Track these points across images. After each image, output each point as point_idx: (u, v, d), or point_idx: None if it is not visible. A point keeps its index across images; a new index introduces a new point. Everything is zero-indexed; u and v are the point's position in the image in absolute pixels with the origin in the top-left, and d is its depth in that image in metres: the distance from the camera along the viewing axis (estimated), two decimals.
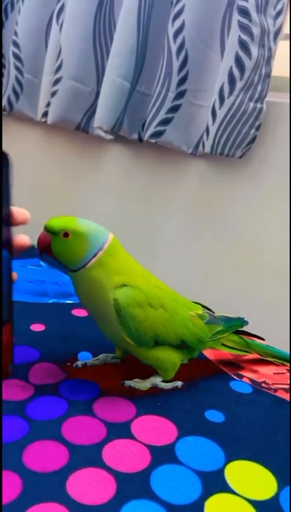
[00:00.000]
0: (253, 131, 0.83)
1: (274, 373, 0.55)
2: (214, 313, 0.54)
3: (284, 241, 0.84)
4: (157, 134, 0.91)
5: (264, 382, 0.53)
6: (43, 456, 0.38)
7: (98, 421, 0.43)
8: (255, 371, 0.55)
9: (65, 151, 1.11)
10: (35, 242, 0.44)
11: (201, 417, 0.45)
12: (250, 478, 0.38)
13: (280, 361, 0.56)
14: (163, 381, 0.49)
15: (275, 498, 0.36)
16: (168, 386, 0.49)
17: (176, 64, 0.87)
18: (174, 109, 0.90)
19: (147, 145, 0.97)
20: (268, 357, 0.55)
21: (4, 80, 1.12)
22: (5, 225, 0.40)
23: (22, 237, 0.41)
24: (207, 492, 0.36)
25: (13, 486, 0.34)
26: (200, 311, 0.51)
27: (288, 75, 0.90)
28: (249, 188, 0.89)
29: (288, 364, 0.56)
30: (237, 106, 0.82)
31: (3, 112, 1.15)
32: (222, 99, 0.83)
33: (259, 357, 0.56)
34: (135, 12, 0.89)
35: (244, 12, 0.78)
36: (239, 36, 0.79)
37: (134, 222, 1.02)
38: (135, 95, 0.96)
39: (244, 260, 0.90)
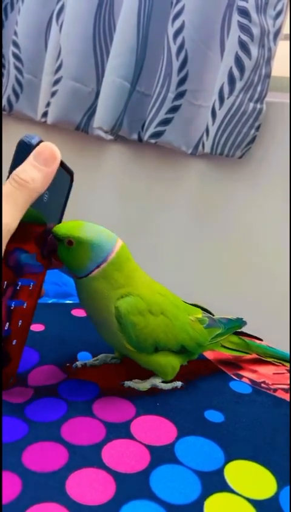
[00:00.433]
0: (252, 131, 0.83)
1: (274, 374, 0.54)
2: (213, 315, 0.54)
3: (284, 240, 0.84)
4: (157, 134, 0.91)
5: (264, 382, 0.53)
6: (42, 456, 0.38)
7: (97, 421, 0.43)
8: (255, 371, 0.55)
9: (64, 152, 1.10)
10: None
11: (201, 417, 0.45)
12: (250, 477, 0.38)
13: (279, 362, 0.56)
14: (162, 382, 0.49)
15: (275, 498, 0.36)
16: (168, 386, 0.49)
17: (175, 64, 0.87)
18: (174, 109, 0.90)
19: (146, 145, 0.97)
20: (267, 358, 0.55)
21: (4, 80, 1.12)
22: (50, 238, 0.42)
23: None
24: (207, 492, 0.36)
25: (12, 486, 0.34)
26: (200, 315, 0.51)
27: (288, 75, 0.90)
28: (249, 188, 0.89)
29: (288, 365, 0.56)
30: (237, 106, 0.82)
31: (3, 112, 1.15)
32: (221, 99, 0.83)
33: (259, 357, 0.56)
34: (135, 12, 0.89)
35: (244, 12, 0.78)
36: (239, 37, 0.79)
37: (134, 222, 1.02)
38: (135, 95, 0.96)
39: (243, 260, 0.90)
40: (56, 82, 1.01)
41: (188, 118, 0.91)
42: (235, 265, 0.91)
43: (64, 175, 0.43)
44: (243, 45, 0.79)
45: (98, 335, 0.49)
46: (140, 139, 0.97)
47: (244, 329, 0.56)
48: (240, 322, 0.55)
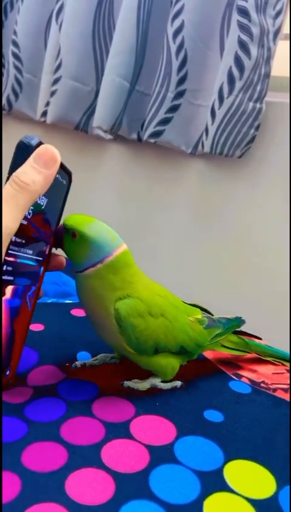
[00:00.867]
0: (252, 131, 0.83)
1: (273, 373, 0.55)
2: (213, 315, 0.54)
3: (284, 240, 0.84)
4: (156, 134, 0.91)
5: (263, 382, 0.53)
6: (42, 456, 0.38)
7: (97, 421, 0.43)
8: (254, 371, 0.55)
9: (64, 151, 1.10)
10: None
11: (200, 416, 0.45)
12: (249, 477, 0.38)
13: (278, 361, 0.56)
14: (162, 382, 0.49)
15: (274, 498, 0.36)
16: (167, 386, 0.49)
17: (175, 64, 0.87)
18: (173, 109, 0.90)
19: (146, 144, 0.97)
20: (266, 357, 0.56)
21: (3, 79, 1.12)
22: (46, 243, 0.42)
23: (60, 258, 0.45)
24: (206, 492, 0.36)
25: (12, 486, 0.34)
26: (200, 315, 0.51)
27: (288, 75, 0.90)
28: (248, 188, 0.89)
29: (287, 364, 0.56)
30: (237, 106, 0.82)
31: (2, 112, 1.15)
32: (221, 98, 0.83)
33: (258, 356, 0.56)
34: (134, 11, 0.89)
35: (244, 12, 0.78)
36: (239, 36, 0.79)
37: (133, 221, 1.02)
38: (134, 95, 0.96)
39: (243, 259, 0.90)
40: (56, 81, 1.01)
41: (188, 118, 0.91)
42: (235, 264, 0.91)
43: (63, 176, 0.43)
44: (243, 45, 0.79)
45: (97, 335, 0.49)
46: (139, 139, 0.97)
47: (244, 328, 0.56)
48: (239, 321, 0.55)
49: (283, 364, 0.56)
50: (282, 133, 0.84)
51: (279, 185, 0.85)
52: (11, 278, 0.37)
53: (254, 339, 0.56)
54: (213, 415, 0.46)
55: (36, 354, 0.53)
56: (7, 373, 0.38)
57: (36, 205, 0.38)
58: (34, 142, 0.36)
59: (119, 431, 0.42)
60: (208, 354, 0.57)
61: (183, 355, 0.49)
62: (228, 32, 0.84)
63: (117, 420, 0.43)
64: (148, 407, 0.45)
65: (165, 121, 0.90)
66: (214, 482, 0.37)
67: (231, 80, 0.81)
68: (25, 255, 0.39)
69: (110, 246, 0.44)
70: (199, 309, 0.53)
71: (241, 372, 0.54)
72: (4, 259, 0.35)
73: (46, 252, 0.43)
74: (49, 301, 0.67)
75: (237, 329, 0.55)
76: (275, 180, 0.86)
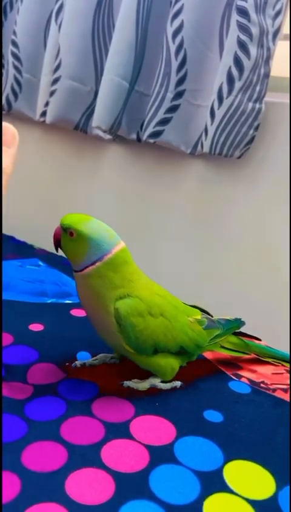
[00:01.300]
0: (251, 131, 0.83)
1: (273, 374, 0.55)
2: (212, 316, 0.54)
3: (284, 241, 0.84)
4: (155, 134, 0.91)
5: (263, 382, 0.53)
6: (42, 456, 0.38)
7: (97, 421, 0.43)
8: (254, 371, 0.55)
9: (63, 151, 1.11)
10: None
11: (200, 417, 0.45)
12: (249, 478, 0.38)
13: (278, 362, 0.56)
14: (162, 382, 0.49)
15: (274, 498, 0.36)
16: (167, 386, 0.49)
17: (174, 64, 0.87)
18: (172, 109, 0.90)
19: (145, 145, 0.97)
20: (266, 358, 0.56)
21: (3, 79, 1.12)
22: None
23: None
24: (206, 492, 0.36)
25: (11, 486, 0.34)
26: (199, 316, 0.51)
27: (288, 75, 0.90)
28: (248, 189, 0.89)
29: (287, 365, 0.56)
30: (236, 106, 0.82)
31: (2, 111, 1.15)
32: (220, 99, 0.83)
33: (257, 357, 0.56)
34: (134, 11, 0.89)
35: (243, 12, 0.78)
36: (238, 36, 0.79)
37: (132, 221, 1.02)
38: (134, 95, 0.96)
39: (243, 260, 0.90)
40: (55, 81, 1.01)
41: (187, 118, 0.91)
42: (234, 265, 0.91)
43: None
44: (242, 45, 0.79)
45: (97, 335, 0.49)
46: (139, 139, 0.97)
47: (244, 329, 0.56)
48: (239, 322, 0.55)
49: (282, 365, 0.56)
50: (281, 133, 0.84)
51: (278, 186, 0.85)
52: None
53: (253, 340, 0.56)
54: (213, 416, 0.46)
55: (36, 354, 0.53)
56: None
57: None
58: None
59: (119, 430, 0.42)
60: (207, 354, 0.57)
61: (182, 355, 0.49)
62: (227, 32, 0.84)
63: (117, 420, 0.43)
64: (148, 408, 0.45)
65: (164, 121, 0.90)
66: (214, 482, 0.37)
67: (230, 80, 0.81)
68: None
69: (108, 244, 0.44)
70: (198, 310, 0.53)
71: (241, 372, 0.54)
72: None
73: None
74: (49, 301, 0.67)
75: (236, 331, 0.55)
76: (275, 181, 0.86)
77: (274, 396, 0.50)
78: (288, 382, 0.53)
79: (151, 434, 0.42)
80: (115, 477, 0.36)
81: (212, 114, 0.84)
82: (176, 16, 0.86)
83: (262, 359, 0.56)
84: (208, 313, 0.54)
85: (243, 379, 0.53)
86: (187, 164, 0.95)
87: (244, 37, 0.79)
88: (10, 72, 1.10)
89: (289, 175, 0.83)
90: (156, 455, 0.39)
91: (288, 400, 0.50)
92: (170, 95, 0.88)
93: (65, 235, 0.44)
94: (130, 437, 0.41)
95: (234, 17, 0.79)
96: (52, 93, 1.03)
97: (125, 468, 0.38)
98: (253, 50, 0.79)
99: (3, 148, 0.37)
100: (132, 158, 1.03)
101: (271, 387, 0.52)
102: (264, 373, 0.54)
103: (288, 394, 0.51)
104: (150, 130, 0.91)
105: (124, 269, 0.45)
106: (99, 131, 1.01)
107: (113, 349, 0.52)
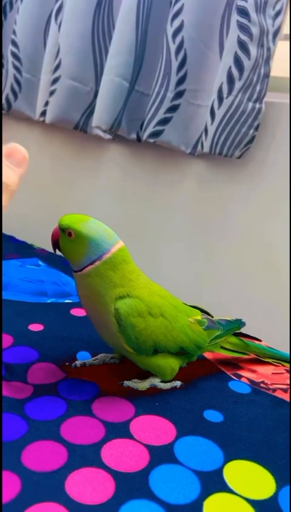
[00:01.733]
0: (251, 131, 0.83)
1: (273, 374, 0.55)
2: (212, 317, 0.54)
3: (284, 241, 0.84)
4: (155, 134, 0.91)
5: (263, 382, 0.53)
6: (42, 456, 0.38)
7: (97, 421, 0.43)
8: (254, 371, 0.55)
9: (63, 151, 1.11)
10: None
11: (200, 416, 0.45)
12: (249, 477, 0.38)
13: (278, 362, 0.56)
14: (162, 382, 0.49)
15: (274, 498, 0.36)
16: (167, 386, 0.49)
17: (174, 64, 0.87)
18: (172, 109, 0.90)
19: (145, 144, 0.97)
20: (266, 358, 0.55)
21: (3, 79, 1.12)
22: None
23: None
24: (206, 492, 0.36)
25: (11, 486, 0.34)
26: (199, 317, 0.51)
27: (288, 75, 0.90)
28: (248, 189, 0.89)
29: (287, 365, 0.56)
30: (236, 106, 0.82)
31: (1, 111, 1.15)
32: (220, 99, 0.83)
33: (257, 357, 0.56)
34: (134, 11, 0.89)
35: (243, 12, 0.78)
36: (238, 36, 0.79)
37: (132, 221, 1.02)
38: (134, 95, 0.96)
39: (243, 260, 0.90)
40: (55, 81, 1.01)
41: (187, 118, 0.91)
42: (234, 265, 0.91)
43: None
44: (242, 45, 0.79)
45: (97, 335, 0.49)
46: (139, 139, 0.97)
47: (244, 329, 0.56)
48: (240, 323, 0.55)
49: (283, 365, 0.56)
50: (281, 133, 0.84)
51: (278, 185, 0.85)
52: None
53: (253, 341, 0.56)
54: (213, 415, 0.46)
55: (36, 354, 0.53)
56: None
57: None
58: None
59: (119, 430, 0.42)
60: (207, 354, 0.57)
61: (182, 356, 0.49)
62: (227, 32, 0.84)
63: (117, 419, 0.43)
64: (148, 407, 0.45)
65: (164, 121, 0.90)
66: (214, 482, 0.37)
67: (230, 80, 0.81)
68: None
69: (107, 243, 0.44)
70: (198, 311, 0.53)
71: (241, 372, 0.54)
72: None
73: None
74: (49, 301, 0.67)
75: (236, 331, 0.55)
76: (275, 181, 0.86)
77: (274, 396, 0.50)
78: (288, 382, 0.53)
79: (151, 434, 0.42)
80: (115, 477, 0.36)
81: (212, 114, 0.84)
82: (176, 16, 0.86)
83: (262, 359, 0.56)
84: (208, 314, 0.54)
85: (243, 379, 0.53)
86: (187, 164, 0.95)
87: (244, 37, 0.79)
88: (9, 72, 1.10)
89: (289, 175, 0.83)
90: (156, 455, 0.39)
91: (288, 400, 0.50)
92: (170, 95, 0.88)
93: (63, 235, 0.44)
94: (130, 436, 0.41)
95: (235, 17, 0.79)
96: (52, 93, 1.03)
97: (125, 467, 0.38)
98: (253, 50, 0.79)
99: (13, 166, 0.37)
100: (132, 157, 1.03)
101: (271, 387, 0.52)
102: (264, 373, 0.54)
103: (288, 394, 0.51)
104: (150, 129, 0.91)
105: (123, 267, 0.45)
106: (99, 131, 1.01)
107: (113, 349, 0.52)
